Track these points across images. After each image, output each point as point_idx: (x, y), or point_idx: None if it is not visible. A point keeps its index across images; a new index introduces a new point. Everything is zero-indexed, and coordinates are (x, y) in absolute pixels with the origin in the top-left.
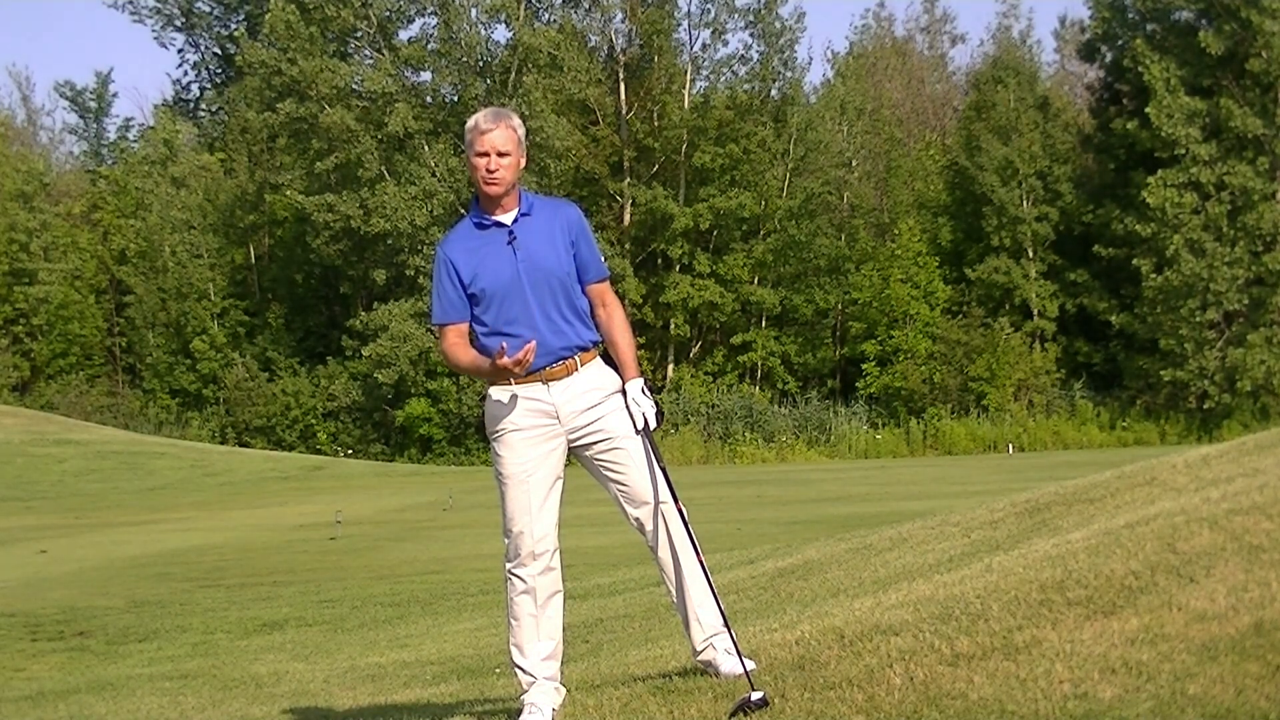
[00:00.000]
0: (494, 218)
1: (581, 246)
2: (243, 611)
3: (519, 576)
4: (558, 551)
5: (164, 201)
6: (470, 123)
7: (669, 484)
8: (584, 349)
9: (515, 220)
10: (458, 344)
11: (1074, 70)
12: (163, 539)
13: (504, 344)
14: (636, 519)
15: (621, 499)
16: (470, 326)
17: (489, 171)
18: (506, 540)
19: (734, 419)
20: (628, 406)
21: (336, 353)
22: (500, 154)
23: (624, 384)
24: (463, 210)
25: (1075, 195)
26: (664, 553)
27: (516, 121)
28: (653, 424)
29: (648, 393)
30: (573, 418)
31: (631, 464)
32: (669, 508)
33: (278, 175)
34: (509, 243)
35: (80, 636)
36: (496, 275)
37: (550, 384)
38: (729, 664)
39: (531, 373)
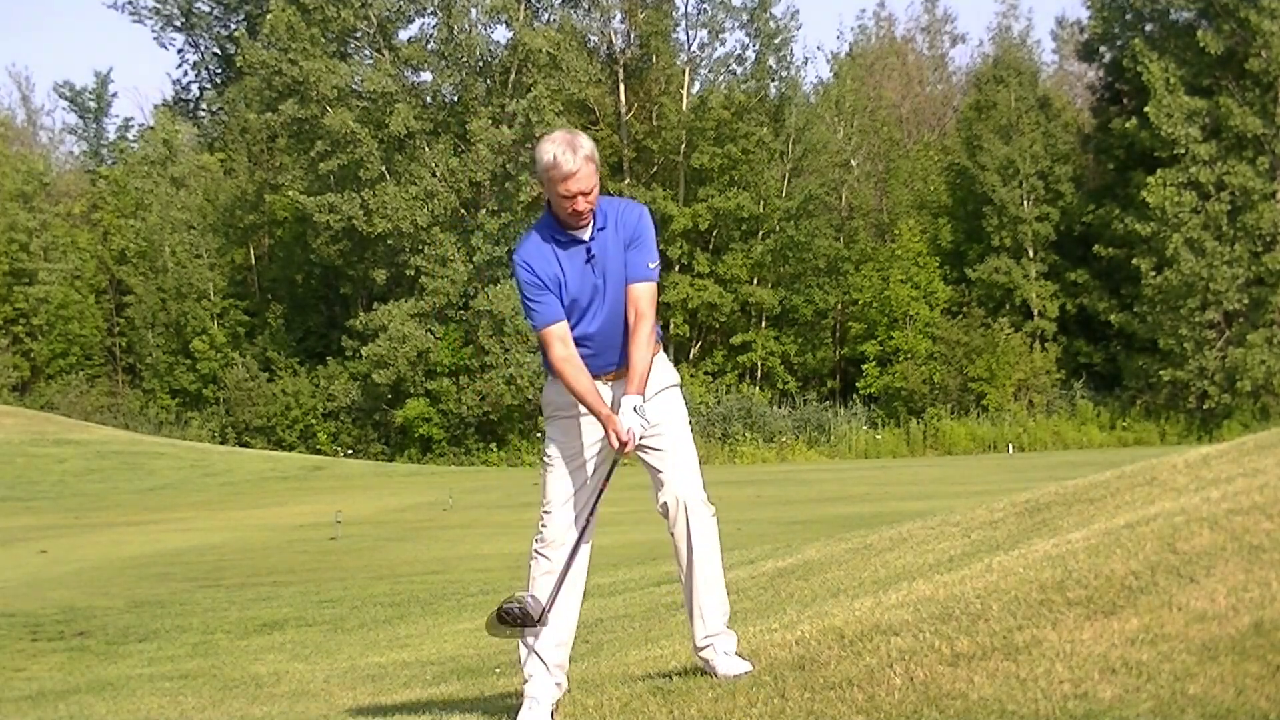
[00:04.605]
0: (571, 234)
1: (633, 248)
2: (243, 611)
3: (545, 556)
4: (588, 544)
5: (164, 201)
6: (548, 157)
7: (700, 481)
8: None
9: (592, 237)
10: (570, 358)
11: (1073, 70)
12: (163, 539)
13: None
14: (664, 503)
15: (655, 482)
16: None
17: (577, 212)
18: (542, 521)
19: (734, 419)
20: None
21: (336, 353)
22: (585, 194)
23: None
24: (464, 211)
25: (1075, 195)
26: (682, 542)
27: (591, 147)
28: (630, 445)
29: (641, 413)
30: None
31: (668, 451)
32: (697, 501)
33: (278, 175)
34: (588, 261)
35: (80, 636)
36: (577, 292)
37: (610, 382)
38: (727, 665)
39: (595, 374)
